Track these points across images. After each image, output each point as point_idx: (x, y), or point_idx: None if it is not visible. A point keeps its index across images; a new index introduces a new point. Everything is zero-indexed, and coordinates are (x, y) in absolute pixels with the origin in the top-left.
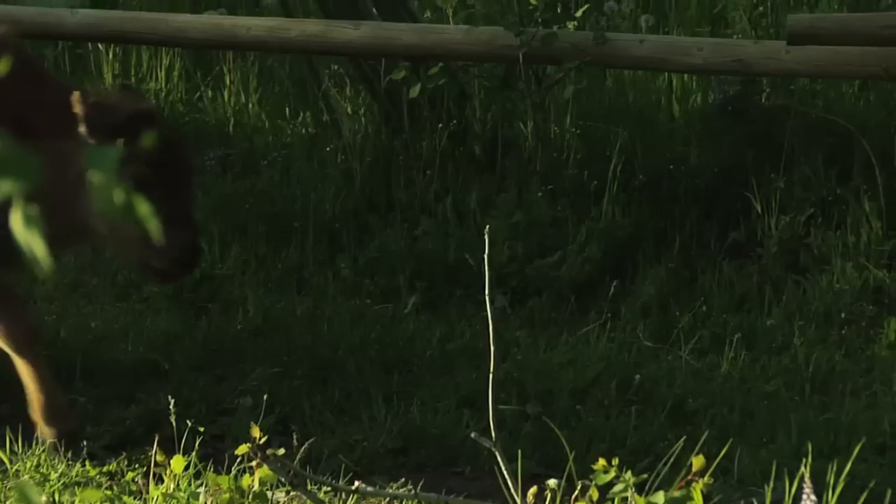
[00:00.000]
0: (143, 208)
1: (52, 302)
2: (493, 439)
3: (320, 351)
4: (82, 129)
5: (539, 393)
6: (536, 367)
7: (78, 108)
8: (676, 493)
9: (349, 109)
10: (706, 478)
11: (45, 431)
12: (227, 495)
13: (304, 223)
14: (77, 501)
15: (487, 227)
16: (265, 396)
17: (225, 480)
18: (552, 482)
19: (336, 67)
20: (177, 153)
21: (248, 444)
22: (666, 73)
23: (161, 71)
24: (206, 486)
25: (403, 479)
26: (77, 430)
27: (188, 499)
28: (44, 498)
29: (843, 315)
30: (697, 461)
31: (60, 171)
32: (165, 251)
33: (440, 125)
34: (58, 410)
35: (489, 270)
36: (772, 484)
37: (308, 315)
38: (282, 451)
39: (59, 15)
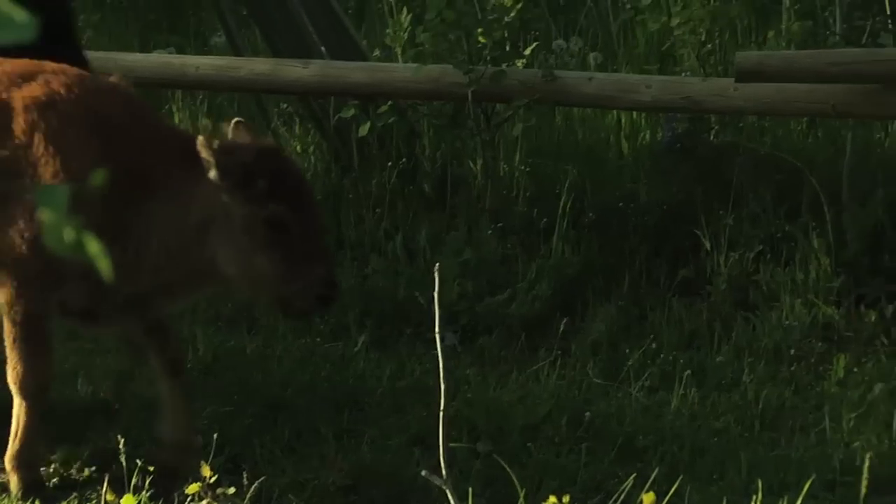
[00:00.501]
0: (94, 246)
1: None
2: (444, 477)
3: (270, 389)
4: (212, 173)
5: (489, 430)
6: (487, 404)
7: (205, 153)
8: None
9: (298, 147)
10: None
11: (12, 478)
12: None
13: None
14: None
15: (437, 264)
16: (215, 435)
17: None
18: None
19: (285, 106)
20: (304, 187)
21: (198, 483)
22: (615, 111)
23: None
24: None
25: None
26: (41, 480)
27: None
28: None
29: (792, 352)
30: (648, 498)
31: (185, 216)
32: (306, 288)
33: (389, 163)
34: (30, 460)
35: (439, 308)
36: None
37: (258, 353)
38: (232, 489)
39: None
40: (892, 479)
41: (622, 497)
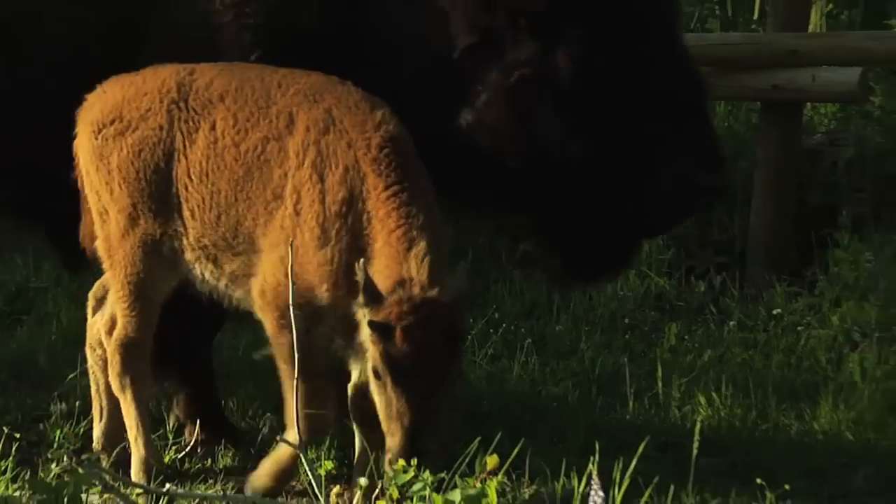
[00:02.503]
0: None
1: None
2: (299, 442)
3: None
4: (360, 297)
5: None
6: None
7: (360, 277)
8: (472, 491)
9: None
10: (500, 476)
11: None
12: (45, 496)
13: None
14: None
15: None
16: (78, 402)
17: (41, 484)
18: (362, 480)
19: None
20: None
21: (62, 450)
22: None
23: None
24: (23, 490)
25: (212, 482)
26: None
27: (5, 502)
28: None
29: (626, 321)
30: (492, 460)
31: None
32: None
33: None
34: None
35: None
36: (562, 481)
37: None
38: (96, 455)
39: None
40: (721, 440)
41: (467, 460)
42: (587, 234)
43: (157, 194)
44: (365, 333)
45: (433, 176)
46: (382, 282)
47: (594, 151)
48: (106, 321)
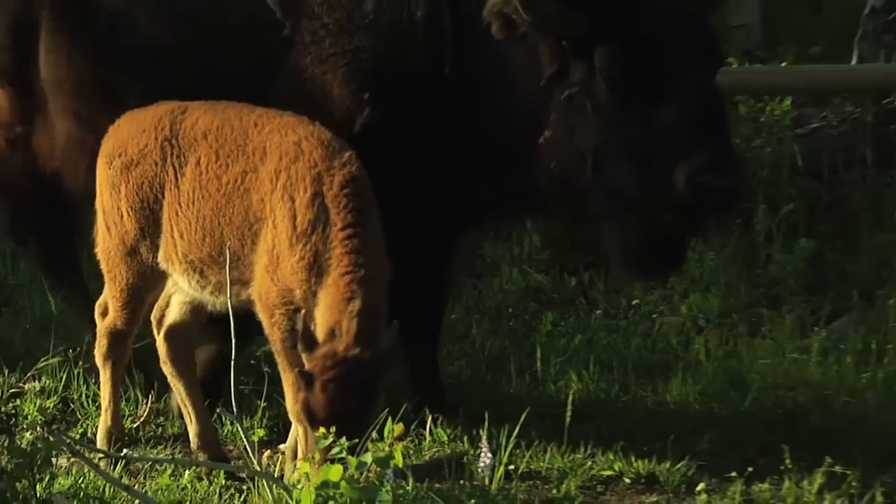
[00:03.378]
0: None
1: None
2: (234, 412)
3: None
4: (299, 344)
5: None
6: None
7: (299, 326)
8: (381, 454)
9: None
10: (405, 441)
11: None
12: (21, 460)
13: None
14: None
15: None
16: (48, 381)
17: (18, 450)
18: (282, 446)
19: None
20: None
21: (36, 422)
22: None
23: None
24: (2, 455)
25: (163, 447)
26: None
27: None
28: None
29: (510, 310)
30: (398, 428)
31: None
32: None
33: None
34: None
35: None
36: (457, 445)
37: None
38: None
39: None
40: (590, 410)
41: (376, 428)
42: (632, 240)
43: (154, 220)
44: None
45: (520, 197)
46: (321, 325)
47: (633, 165)
48: (99, 304)
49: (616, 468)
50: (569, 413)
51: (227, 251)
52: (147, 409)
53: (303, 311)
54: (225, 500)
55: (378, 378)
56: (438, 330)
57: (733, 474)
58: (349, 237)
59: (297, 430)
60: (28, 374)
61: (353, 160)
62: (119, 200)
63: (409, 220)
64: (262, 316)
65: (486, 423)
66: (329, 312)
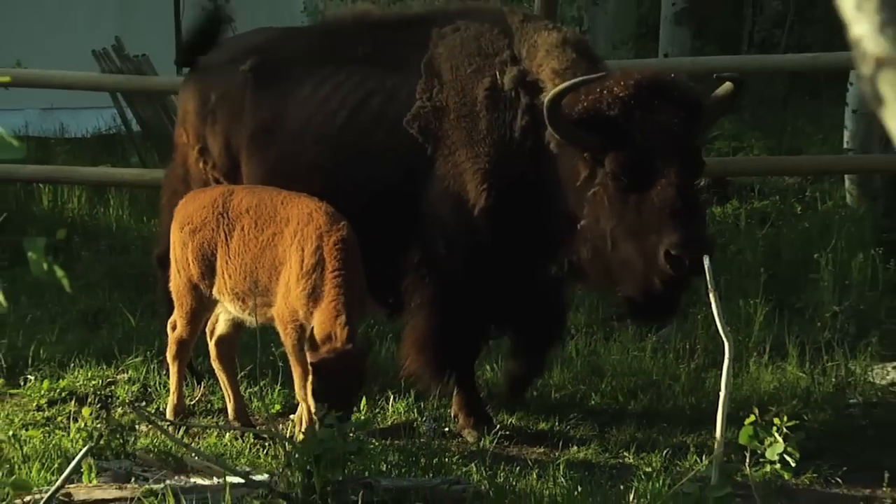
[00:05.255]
0: (59, 272)
1: None
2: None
3: None
4: (307, 345)
5: (286, 369)
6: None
7: (307, 334)
8: (360, 419)
9: None
10: (375, 412)
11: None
12: (115, 427)
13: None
14: None
15: None
16: (133, 374)
17: (113, 420)
18: (292, 416)
19: None
20: None
21: (126, 400)
22: None
23: (75, 198)
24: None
25: (211, 417)
26: None
27: None
28: None
29: None
30: (363, 403)
31: None
32: None
33: None
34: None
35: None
36: (410, 414)
37: None
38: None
39: (15, 167)
40: (500, 391)
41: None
42: (637, 297)
43: (210, 266)
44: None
45: (572, 268)
46: (319, 333)
47: (634, 243)
48: (171, 322)
49: (516, 423)
50: (483, 393)
51: (258, 287)
52: (200, 392)
53: (310, 327)
54: (253, 453)
55: (362, 364)
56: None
57: (593, 433)
58: (337, 276)
59: (302, 406)
60: (119, 369)
61: (346, 227)
62: (187, 253)
63: (512, 274)
64: (279, 328)
65: (431, 399)
66: (325, 324)
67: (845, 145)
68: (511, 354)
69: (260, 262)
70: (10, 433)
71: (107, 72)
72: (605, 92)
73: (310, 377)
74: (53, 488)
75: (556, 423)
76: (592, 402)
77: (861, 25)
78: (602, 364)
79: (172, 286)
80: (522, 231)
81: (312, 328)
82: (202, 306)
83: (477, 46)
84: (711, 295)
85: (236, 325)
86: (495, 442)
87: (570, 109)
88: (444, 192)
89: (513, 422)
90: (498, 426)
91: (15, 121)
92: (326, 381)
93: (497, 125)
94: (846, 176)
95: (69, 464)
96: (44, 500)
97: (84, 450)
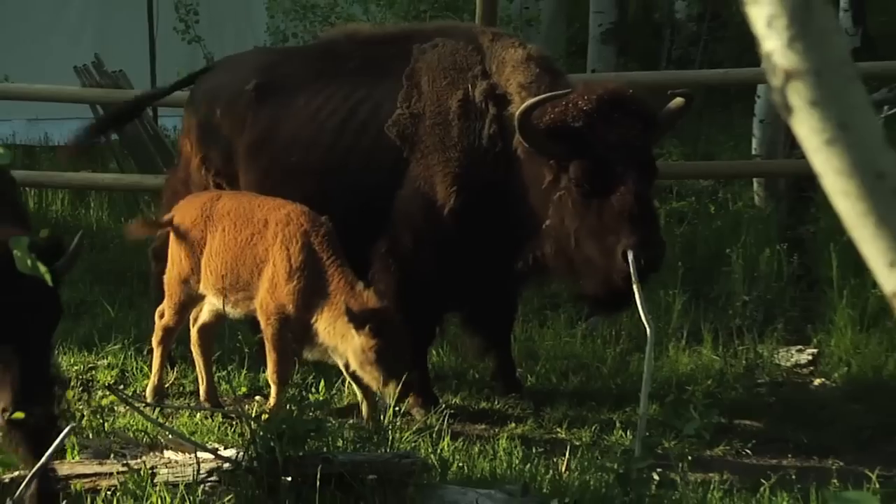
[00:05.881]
0: (41, 268)
1: None
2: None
3: None
4: (346, 318)
5: (252, 354)
6: None
7: (345, 311)
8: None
9: None
10: (332, 392)
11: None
12: (96, 408)
13: None
14: None
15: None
16: (112, 360)
17: (93, 403)
18: (257, 398)
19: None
20: None
21: (106, 384)
22: None
23: (58, 200)
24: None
25: (184, 399)
26: None
27: None
28: None
29: None
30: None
31: None
32: None
33: None
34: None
35: None
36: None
37: None
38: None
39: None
40: (447, 373)
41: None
42: (597, 291)
43: (197, 263)
44: (344, 332)
45: (536, 264)
46: (356, 305)
47: (589, 241)
48: (159, 310)
49: (460, 402)
50: (432, 374)
51: (240, 282)
52: (173, 377)
53: (347, 302)
54: (221, 431)
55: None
56: (508, 335)
57: (529, 411)
58: (333, 263)
59: (273, 389)
60: (99, 355)
61: (327, 222)
62: (179, 250)
63: (475, 268)
64: (261, 318)
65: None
66: (352, 300)
67: (753, 151)
68: (466, 331)
69: (240, 260)
70: None
71: (87, 86)
72: (570, 105)
73: (371, 348)
74: (38, 465)
75: (496, 403)
76: (528, 383)
77: (772, 41)
78: (537, 349)
79: (166, 279)
80: (485, 228)
81: (347, 312)
82: (189, 299)
83: (452, 61)
84: (635, 287)
85: (218, 316)
86: (441, 420)
87: (539, 120)
88: (415, 191)
89: (457, 401)
90: (443, 405)
91: (3, 130)
92: (387, 336)
93: (467, 133)
94: (754, 179)
95: None
96: (29, 475)
97: (67, 429)
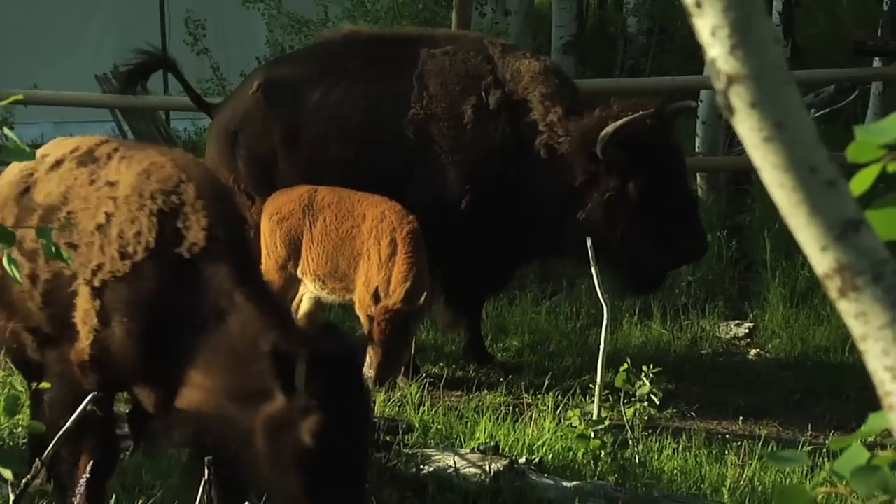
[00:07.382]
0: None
1: None
2: None
3: None
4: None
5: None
6: None
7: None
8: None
9: None
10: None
11: None
12: None
13: None
14: None
15: None
16: None
17: None
18: None
19: None
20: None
21: None
22: None
23: None
24: None
25: None
26: None
27: None
28: None
29: None
30: None
31: None
32: None
33: None
34: None
35: None
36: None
37: None
38: None
39: None
40: (430, 345)
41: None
42: (639, 273)
43: (296, 252)
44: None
45: (547, 248)
46: (399, 291)
47: (644, 234)
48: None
49: (439, 372)
50: (413, 350)
51: (338, 272)
52: None
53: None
54: None
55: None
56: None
57: (501, 380)
58: (409, 256)
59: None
60: None
61: (413, 221)
62: (276, 238)
63: (488, 252)
64: (360, 314)
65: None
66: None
67: (696, 149)
68: (446, 305)
69: (339, 250)
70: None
71: (107, 92)
72: (641, 124)
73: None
74: (63, 430)
75: (471, 372)
76: (499, 356)
77: (715, 49)
78: (506, 324)
79: (263, 268)
80: (494, 218)
81: (374, 296)
82: (287, 284)
83: (464, 69)
84: (593, 269)
85: (317, 303)
86: (422, 387)
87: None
88: (431, 184)
89: (436, 371)
90: (424, 374)
91: (32, 132)
92: (392, 333)
93: (481, 135)
94: (697, 174)
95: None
96: (60, 433)
97: (83, 405)
